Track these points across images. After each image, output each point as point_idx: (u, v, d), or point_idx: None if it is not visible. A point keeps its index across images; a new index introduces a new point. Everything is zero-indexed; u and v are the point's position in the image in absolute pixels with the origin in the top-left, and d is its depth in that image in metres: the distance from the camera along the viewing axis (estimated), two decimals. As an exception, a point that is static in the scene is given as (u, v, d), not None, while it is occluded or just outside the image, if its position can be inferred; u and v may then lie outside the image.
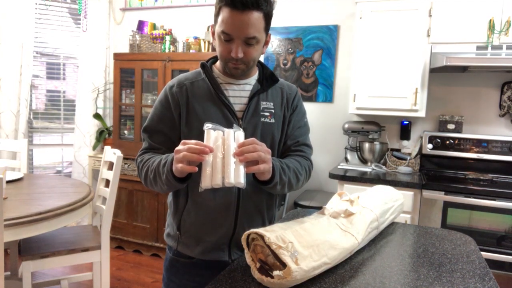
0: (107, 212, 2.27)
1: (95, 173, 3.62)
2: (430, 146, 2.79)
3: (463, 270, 1.01)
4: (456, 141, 2.75)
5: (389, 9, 2.64)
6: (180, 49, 3.38)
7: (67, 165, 3.95)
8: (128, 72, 3.45)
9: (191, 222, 1.18)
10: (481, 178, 2.58)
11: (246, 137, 1.15)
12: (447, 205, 2.36)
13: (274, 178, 1.06)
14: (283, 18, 3.26)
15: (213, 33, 1.13)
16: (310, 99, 3.21)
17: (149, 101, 3.36)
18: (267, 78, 1.22)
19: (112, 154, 2.40)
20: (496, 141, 2.67)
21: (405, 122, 2.92)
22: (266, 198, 1.22)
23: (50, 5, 3.66)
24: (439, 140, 2.77)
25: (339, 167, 2.83)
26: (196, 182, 1.14)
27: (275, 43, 3.29)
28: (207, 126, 0.98)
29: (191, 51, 3.30)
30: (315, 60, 3.18)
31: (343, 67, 3.12)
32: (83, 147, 3.73)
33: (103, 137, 3.70)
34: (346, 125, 2.91)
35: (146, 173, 1.13)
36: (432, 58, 2.58)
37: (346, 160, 2.99)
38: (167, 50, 3.34)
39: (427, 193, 2.39)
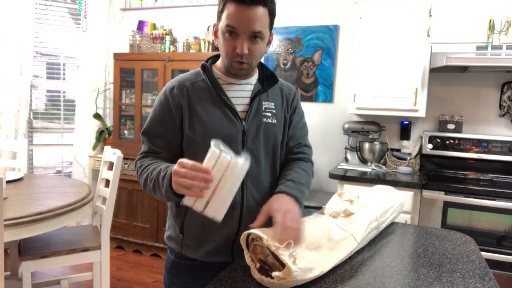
0: (107, 212, 2.27)
1: (95, 173, 3.62)
2: (430, 146, 2.79)
3: (463, 270, 1.01)
4: (456, 141, 2.75)
5: (389, 9, 2.64)
6: (180, 49, 3.38)
7: (67, 165, 3.95)
8: (128, 72, 3.45)
9: (194, 224, 1.16)
10: (481, 178, 2.58)
11: (248, 139, 1.15)
12: (447, 205, 2.36)
13: (301, 208, 1.07)
14: (283, 18, 3.26)
15: (215, 32, 1.12)
16: (310, 99, 3.21)
17: (149, 101, 3.36)
18: (267, 78, 1.21)
19: (112, 154, 2.40)
20: (496, 141, 2.67)
21: (405, 122, 2.92)
22: (269, 197, 1.21)
23: (50, 5, 3.66)
24: (439, 140, 2.77)
25: (339, 167, 2.83)
26: None
27: (275, 43, 3.29)
28: (214, 145, 0.93)
29: (191, 51, 3.30)
30: (315, 60, 3.18)
31: (343, 67, 3.12)
32: (83, 147, 3.73)
33: (103, 137, 3.70)
34: (346, 125, 2.91)
35: (145, 181, 1.10)
36: (432, 58, 2.58)
37: (346, 160, 2.99)
38: (167, 50, 3.34)
39: (427, 193, 2.39)
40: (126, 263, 3.18)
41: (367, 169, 2.76)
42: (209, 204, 0.92)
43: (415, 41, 2.60)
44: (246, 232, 0.92)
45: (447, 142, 2.76)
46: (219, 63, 1.20)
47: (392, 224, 1.37)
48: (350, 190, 2.51)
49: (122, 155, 2.31)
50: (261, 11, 1.02)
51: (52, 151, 3.91)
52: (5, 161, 3.05)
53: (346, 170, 2.71)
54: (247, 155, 0.97)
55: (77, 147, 3.73)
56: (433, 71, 2.67)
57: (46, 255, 2.09)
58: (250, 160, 0.99)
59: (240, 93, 1.17)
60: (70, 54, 3.82)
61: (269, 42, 1.13)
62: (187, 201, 0.92)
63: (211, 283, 0.89)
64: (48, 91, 3.84)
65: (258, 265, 0.90)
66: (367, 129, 2.86)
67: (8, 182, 2.30)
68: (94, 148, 3.70)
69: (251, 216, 1.16)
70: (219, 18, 1.08)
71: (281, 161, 1.25)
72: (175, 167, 0.94)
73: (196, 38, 3.33)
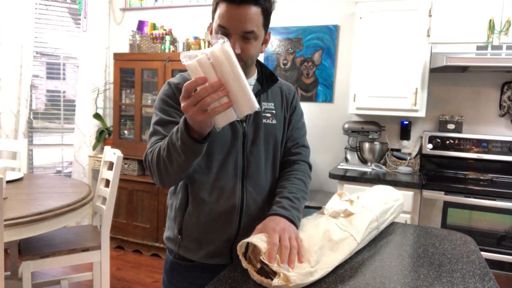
0: (107, 212, 2.27)
1: (95, 173, 3.62)
2: (430, 146, 2.79)
3: (463, 270, 1.01)
4: (456, 141, 2.75)
5: (389, 9, 2.64)
6: (180, 49, 3.38)
7: (67, 165, 3.95)
8: (128, 72, 3.45)
9: (193, 225, 1.15)
10: (481, 178, 2.58)
11: (248, 141, 1.13)
12: (447, 205, 2.36)
13: (297, 226, 1.02)
14: (283, 18, 3.26)
15: (211, 32, 1.10)
16: (310, 99, 3.21)
17: (149, 101, 3.36)
18: (267, 78, 1.20)
19: (112, 154, 2.40)
20: (496, 141, 2.67)
21: (405, 122, 2.92)
22: (269, 199, 1.21)
23: (50, 5, 3.66)
24: (439, 140, 2.77)
25: (339, 167, 2.83)
26: (198, 181, 1.13)
27: (275, 43, 3.29)
28: (184, 57, 0.82)
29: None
30: (315, 60, 3.18)
31: (343, 67, 3.12)
32: (83, 147, 3.73)
33: (103, 137, 3.70)
34: (346, 125, 2.91)
35: (158, 156, 1.00)
36: (432, 58, 2.58)
37: (346, 160, 2.99)
38: (167, 50, 3.34)
39: (427, 193, 2.39)
40: (126, 263, 3.18)
41: (367, 169, 2.76)
42: (238, 104, 0.83)
43: (415, 41, 2.60)
44: (245, 240, 0.91)
45: (447, 142, 2.76)
46: None
47: (392, 224, 1.37)
48: (350, 190, 2.51)
49: (122, 155, 2.31)
50: (252, 10, 1.00)
51: (52, 151, 3.91)
52: (5, 161, 3.05)
53: (346, 170, 2.71)
54: (220, 37, 0.86)
55: (77, 147, 3.73)
56: (433, 71, 2.67)
57: (46, 255, 2.09)
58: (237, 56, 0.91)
59: None
60: (70, 54, 3.82)
61: (265, 41, 1.11)
62: (219, 123, 0.84)
63: (211, 283, 0.89)
64: (48, 91, 3.84)
65: (259, 265, 0.90)
66: (367, 129, 2.86)
67: (8, 182, 2.30)
68: (94, 148, 3.70)
69: (250, 218, 1.16)
70: (212, 18, 1.07)
71: (280, 161, 1.24)
72: (182, 106, 0.85)
73: (196, 38, 3.33)
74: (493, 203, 2.26)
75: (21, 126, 3.52)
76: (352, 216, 1.09)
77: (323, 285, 0.89)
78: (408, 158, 2.80)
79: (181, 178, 1.09)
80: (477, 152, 2.71)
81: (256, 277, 0.89)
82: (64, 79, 3.84)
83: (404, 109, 2.67)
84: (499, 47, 2.43)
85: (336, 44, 3.13)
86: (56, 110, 3.85)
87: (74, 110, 3.78)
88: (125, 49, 3.70)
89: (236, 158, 1.12)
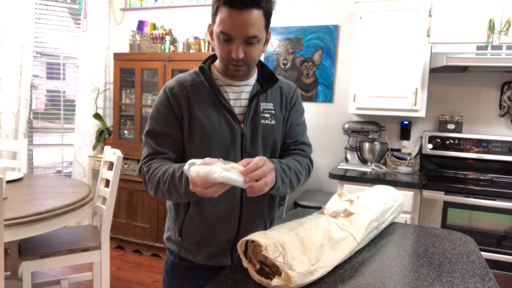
0: (107, 212, 2.27)
1: (95, 173, 3.62)
2: (430, 146, 2.79)
3: (463, 270, 1.00)
4: (456, 141, 2.75)
5: (389, 9, 2.64)
6: (180, 49, 3.38)
7: (67, 165, 3.95)
8: (128, 72, 3.45)
9: (193, 227, 1.15)
10: (481, 178, 2.58)
11: (246, 142, 1.13)
12: (447, 205, 2.36)
13: (276, 183, 1.02)
14: (283, 18, 3.26)
15: (211, 33, 1.09)
16: (310, 99, 3.21)
17: (149, 101, 3.36)
18: (267, 78, 1.19)
19: (112, 154, 2.40)
20: (496, 141, 2.67)
21: (405, 122, 2.92)
22: (268, 200, 1.21)
23: (50, 5, 3.66)
24: (439, 140, 2.77)
25: (339, 167, 2.83)
26: None
27: (275, 43, 3.29)
28: (192, 167, 0.90)
29: (191, 51, 3.30)
30: (315, 60, 3.18)
31: (343, 67, 3.12)
32: (83, 147, 3.73)
33: (103, 137, 3.70)
34: (346, 125, 2.91)
35: (157, 184, 1.05)
36: (432, 58, 2.58)
37: (346, 160, 2.99)
38: (167, 50, 3.34)
39: (427, 193, 2.39)
40: (126, 263, 3.18)
41: (367, 169, 2.76)
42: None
43: (415, 41, 2.60)
44: (245, 238, 0.91)
45: (447, 142, 2.76)
46: (217, 63, 1.17)
47: (392, 224, 1.37)
48: (350, 190, 2.51)
49: (122, 155, 2.31)
50: (255, 14, 0.98)
51: (52, 151, 3.91)
52: (5, 161, 3.05)
53: (346, 170, 2.71)
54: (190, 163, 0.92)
55: (77, 147, 3.73)
56: (433, 71, 2.67)
57: (46, 255, 2.09)
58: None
59: (239, 95, 1.15)
60: (70, 54, 3.82)
61: (266, 41, 1.10)
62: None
63: (211, 283, 0.89)
64: (48, 91, 3.84)
65: (258, 266, 0.90)
66: (367, 129, 2.86)
67: (8, 182, 2.30)
68: (94, 148, 3.70)
69: (250, 218, 1.16)
70: (213, 21, 1.05)
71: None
72: (190, 186, 0.92)
73: (196, 38, 3.33)
74: (493, 203, 2.26)
75: (21, 126, 3.52)
76: (352, 216, 1.09)
77: (323, 285, 0.89)
78: (408, 158, 2.80)
79: None
80: (477, 152, 2.71)
81: (256, 277, 0.89)
82: (64, 79, 3.84)
83: (404, 109, 2.67)
84: (499, 47, 2.43)
85: (336, 44, 3.13)
86: (56, 110, 3.85)
87: (74, 110, 3.78)
88: (125, 49, 3.70)
89: (235, 159, 1.12)
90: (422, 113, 2.65)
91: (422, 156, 2.85)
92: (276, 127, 1.18)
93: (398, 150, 2.94)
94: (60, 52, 3.79)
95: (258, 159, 0.94)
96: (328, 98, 3.17)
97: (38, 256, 2.07)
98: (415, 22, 2.59)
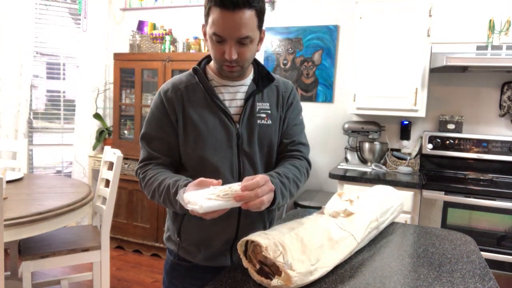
0: (107, 212, 2.27)
1: (95, 173, 3.62)
2: (430, 146, 2.79)
3: (463, 270, 1.00)
4: (456, 141, 2.75)
5: (389, 9, 2.64)
6: (180, 49, 3.38)
7: (67, 165, 3.95)
8: (128, 72, 3.45)
9: (192, 228, 1.15)
10: (481, 178, 2.58)
11: (243, 143, 1.12)
12: (447, 205, 2.36)
13: (276, 199, 1.01)
14: (283, 18, 3.26)
15: (204, 34, 1.08)
16: (310, 99, 3.21)
17: (149, 101, 3.36)
18: (263, 77, 1.18)
19: (112, 154, 2.40)
20: (496, 141, 2.67)
21: (405, 122, 2.92)
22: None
23: (50, 5, 3.66)
24: (439, 140, 2.77)
25: (339, 167, 2.83)
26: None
27: (275, 43, 3.29)
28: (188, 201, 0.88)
29: (191, 51, 3.30)
30: (315, 60, 3.18)
31: (343, 67, 3.12)
32: (83, 147, 3.73)
33: (103, 137, 3.70)
34: (346, 125, 2.91)
35: (153, 194, 1.08)
36: (432, 58, 2.58)
37: (346, 160, 2.99)
38: (167, 50, 3.34)
39: (427, 193, 2.39)
40: (126, 263, 3.18)
41: (367, 169, 2.76)
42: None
43: (415, 41, 2.60)
44: (245, 238, 0.91)
45: (447, 142, 2.76)
46: (212, 63, 1.16)
47: (392, 224, 1.37)
48: (350, 190, 2.51)
49: (122, 155, 2.31)
50: (247, 14, 0.97)
51: (52, 151, 3.91)
52: (5, 161, 3.05)
53: (346, 170, 2.71)
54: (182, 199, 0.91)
55: (77, 147, 3.73)
56: (433, 71, 2.67)
57: (46, 255, 2.09)
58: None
59: (235, 95, 1.14)
60: (70, 54, 3.82)
61: (260, 40, 1.09)
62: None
63: (211, 283, 0.89)
64: (48, 91, 3.83)
65: (258, 266, 0.90)
66: (367, 129, 2.86)
67: (8, 182, 2.30)
68: (94, 148, 3.70)
69: (249, 219, 1.16)
70: (205, 21, 1.04)
71: (277, 159, 1.21)
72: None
73: (196, 38, 3.33)
74: (493, 203, 2.26)
75: (21, 126, 3.52)
76: (352, 216, 1.09)
77: (323, 285, 0.89)
78: (408, 158, 2.80)
79: None
80: (477, 152, 2.71)
81: (256, 277, 0.89)
82: (64, 79, 3.84)
83: (404, 109, 2.67)
84: (499, 47, 2.43)
85: (336, 44, 3.13)
86: (56, 110, 3.85)
87: (74, 110, 3.78)
88: (125, 49, 3.70)
89: (232, 159, 1.11)
90: (422, 113, 2.65)
91: (422, 156, 2.85)
92: (272, 127, 1.17)
93: (398, 150, 2.94)
94: (60, 52, 3.79)
95: (260, 178, 0.93)
96: (328, 98, 3.17)
97: (38, 256, 2.07)
98: (415, 22, 2.59)
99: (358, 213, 1.11)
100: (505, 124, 2.77)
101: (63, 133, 3.87)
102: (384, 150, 2.87)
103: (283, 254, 0.85)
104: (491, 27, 2.43)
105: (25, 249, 2.09)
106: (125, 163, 3.38)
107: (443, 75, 2.85)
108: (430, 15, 2.56)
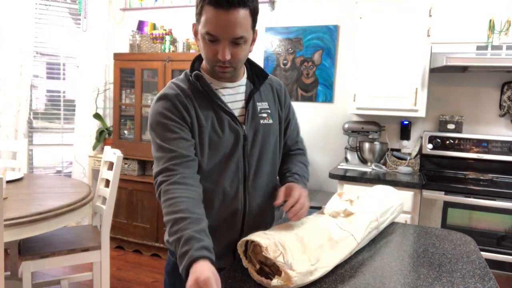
0: (107, 212, 2.27)
1: (95, 173, 3.62)
2: (430, 146, 2.79)
3: (463, 270, 1.00)
4: (456, 141, 2.75)
5: (389, 9, 2.64)
6: (180, 49, 3.38)
7: (67, 165, 3.95)
8: (128, 72, 3.45)
9: None
10: (481, 178, 2.58)
11: (248, 144, 1.12)
12: (447, 205, 2.36)
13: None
14: (283, 18, 3.26)
15: (195, 33, 1.05)
16: (310, 99, 3.21)
17: (149, 101, 3.36)
18: (257, 74, 1.17)
19: (112, 154, 2.40)
20: (496, 141, 2.67)
21: (405, 122, 2.92)
22: (271, 200, 1.20)
23: (50, 5, 3.65)
24: (439, 140, 2.77)
25: (339, 167, 2.83)
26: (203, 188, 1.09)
27: (275, 43, 3.29)
28: None
29: (191, 51, 3.30)
30: (315, 60, 3.18)
31: (343, 67, 3.12)
32: (83, 147, 3.73)
33: (103, 137, 3.70)
34: (346, 125, 2.91)
35: (167, 222, 0.95)
36: (432, 58, 2.57)
37: (346, 160, 2.99)
38: (167, 50, 3.34)
39: (427, 193, 2.39)
40: (126, 263, 3.18)
41: (367, 169, 2.76)
42: None
43: (415, 41, 2.60)
44: (245, 238, 0.91)
45: (447, 142, 2.76)
46: (204, 64, 1.13)
47: (392, 224, 1.37)
48: (350, 190, 2.51)
49: (122, 155, 2.31)
50: (241, 14, 0.95)
51: (52, 151, 3.91)
52: (5, 161, 3.05)
53: (346, 170, 2.70)
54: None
55: (77, 147, 3.73)
56: (433, 71, 2.67)
57: (46, 255, 2.09)
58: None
59: (235, 96, 1.13)
60: (70, 54, 3.82)
61: (253, 41, 1.06)
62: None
63: (211, 283, 0.88)
64: (48, 91, 3.83)
65: (258, 266, 0.90)
66: (367, 129, 2.86)
67: (8, 182, 2.30)
68: (94, 148, 3.70)
69: (253, 220, 1.15)
70: (197, 20, 1.01)
71: (280, 160, 1.25)
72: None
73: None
74: (493, 203, 2.26)
75: (21, 126, 3.52)
76: (352, 216, 1.09)
77: (323, 285, 0.89)
78: (408, 158, 2.80)
79: None
80: (477, 152, 2.71)
81: (256, 277, 0.89)
82: (64, 79, 3.84)
83: (404, 109, 2.67)
84: (499, 47, 2.43)
85: (336, 44, 3.13)
86: (56, 110, 3.85)
87: (74, 110, 3.78)
88: (125, 49, 3.70)
89: (238, 161, 1.11)
90: (422, 113, 2.65)
91: (422, 156, 2.85)
92: (274, 126, 1.17)
93: (398, 150, 2.94)
94: (60, 52, 3.79)
95: (298, 194, 1.05)
96: (328, 98, 3.17)
97: (38, 256, 2.07)
98: (415, 22, 2.59)
99: (358, 213, 1.11)
100: (505, 124, 2.77)
101: (63, 133, 3.87)
102: (384, 150, 2.87)
103: (283, 254, 0.85)
104: (491, 27, 2.43)
105: (25, 249, 2.09)
106: (125, 163, 3.38)
107: (443, 75, 2.85)
108: (430, 15, 2.56)
